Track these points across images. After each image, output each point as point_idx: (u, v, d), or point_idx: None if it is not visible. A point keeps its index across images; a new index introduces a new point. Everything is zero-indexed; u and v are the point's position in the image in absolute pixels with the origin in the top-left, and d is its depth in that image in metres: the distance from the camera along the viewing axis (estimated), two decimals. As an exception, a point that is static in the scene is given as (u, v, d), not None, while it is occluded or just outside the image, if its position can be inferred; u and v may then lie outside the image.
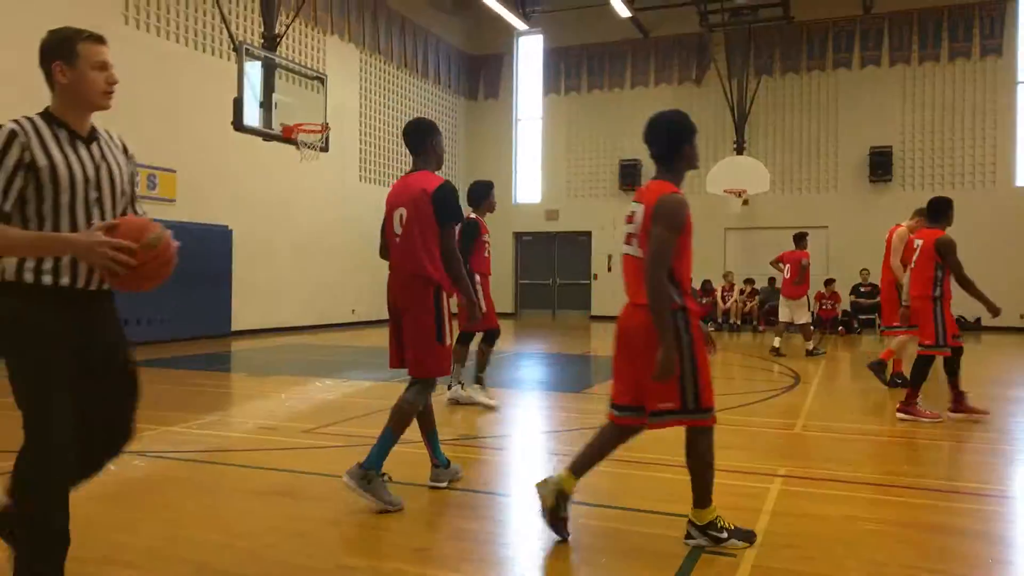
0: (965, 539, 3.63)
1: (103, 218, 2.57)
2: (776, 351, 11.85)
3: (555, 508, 3.45)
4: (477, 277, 6.76)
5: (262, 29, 12.06)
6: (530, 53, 22.53)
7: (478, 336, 7.23)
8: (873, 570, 3.21)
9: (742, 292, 18.74)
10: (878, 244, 18.60)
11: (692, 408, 3.34)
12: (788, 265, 12.08)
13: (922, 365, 6.48)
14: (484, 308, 6.09)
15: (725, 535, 3.42)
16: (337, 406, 7.25)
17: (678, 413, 3.34)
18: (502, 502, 4.40)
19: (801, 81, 19.82)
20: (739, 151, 18.88)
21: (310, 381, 8.84)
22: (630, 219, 3.50)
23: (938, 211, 6.71)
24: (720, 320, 18.47)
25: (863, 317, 17.26)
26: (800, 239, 12.24)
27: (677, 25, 19.99)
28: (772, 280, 18.67)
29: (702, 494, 3.45)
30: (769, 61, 19.88)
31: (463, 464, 4.76)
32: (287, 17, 12.96)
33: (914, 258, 6.83)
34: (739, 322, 18.37)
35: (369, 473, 3.86)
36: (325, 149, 12.29)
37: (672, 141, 3.52)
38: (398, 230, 4.13)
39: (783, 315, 12.32)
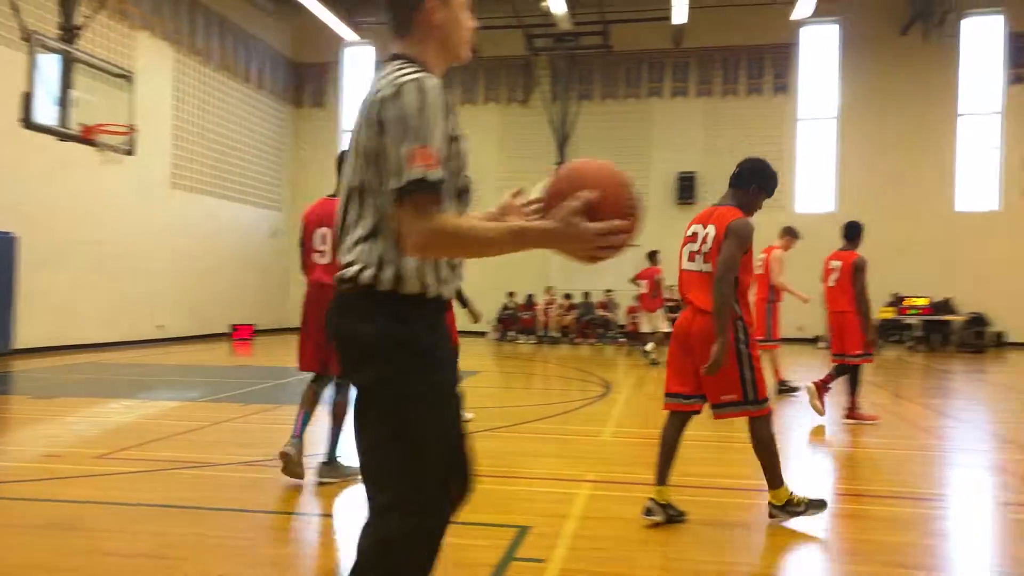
0: (750, 532, 3.94)
1: None
2: (651, 359, 12.81)
3: (670, 518, 3.96)
4: None
5: (60, 19, 11.12)
6: (359, 63, 22.26)
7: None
8: (665, 565, 3.41)
9: (560, 307, 19.43)
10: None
11: (752, 400, 3.93)
12: (645, 281, 13.05)
13: (855, 374, 7.31)
14: None
15: (802, 508, 3.94)
16: (135, 429, 6.74)
17: (741, 405, 3.94)
18: (312, 523, 4.27)
19: (618, 107, 20.93)
20: (560, 170, 19.60)
21: (105, 403, 8.15)
22: (693, 239, 4.17)
23: (855, 234, 7.59)
24: (541, 333, 19.03)
25: (669, 332, 18.38)
26: (653, 256, 13.17)
27: (505, 47, 20.52)
28: (587, 295, 19.50)
29: (773, 477, 3.95)
30: (590, 87, 20.86)
31: (269, 483, 4.57)
32: (89, 8, 12.01)
33: (834, 277, 7.57)
34: (557, 335, 19.02)
35: (335, 462, 4.85)
36: (130, 152, 11.50)
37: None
38: (320, 247, 4.90)
39: (644, 327, 13.47)
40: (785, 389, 9.15)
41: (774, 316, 8.99)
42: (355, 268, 1.88)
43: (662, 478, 4.05)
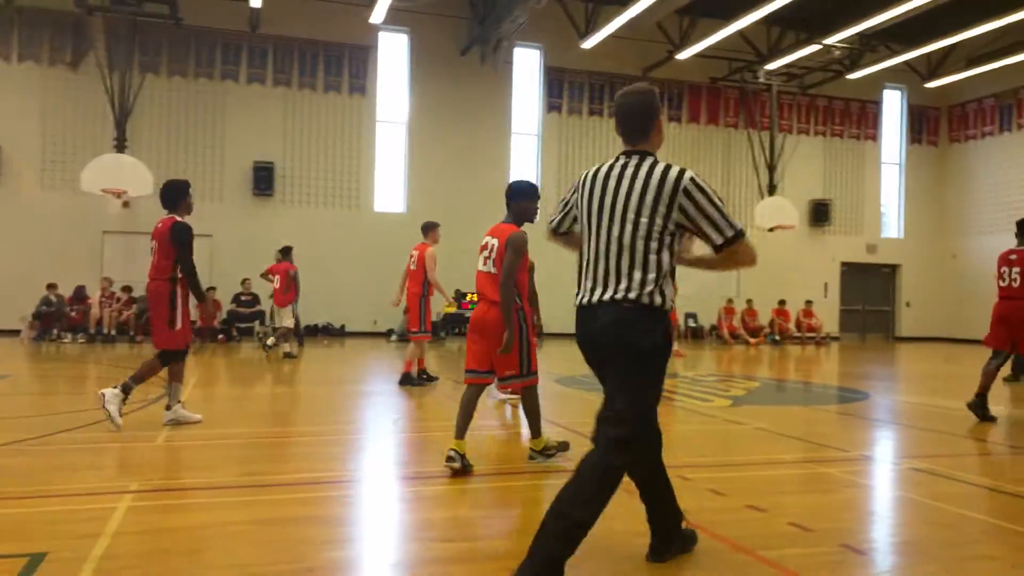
0: (309, 526, 3.76)
1: None
2: (288, 355, 13.03)
3: (467, 466, 4.91)
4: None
5: None
6: None
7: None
8: (212, 574, 3.06)
9: (118, 300, 17.37)
10: (261, 255, 19.21)
11: (526, 372, 5.19)
12: (278, 276, 13.22)
13: None
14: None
15: (553, 451, 5.35)
16: None
17: (518, 377, 5.19)
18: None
19: (189, 86, 19.39)
20: (120, 149, 17.50)
21: None
22: (485, 247, 5.24)
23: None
24: (93, 331, 16.78)
25: (241, 325, 17.62)
26: (287, 252, 13.47)
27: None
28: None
29: (536, 429, 5.35)
30: (156, 59, 18.97)
31: None
32: None
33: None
34: (114, 332, 16.95)
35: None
36: None
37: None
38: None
39: (277, 321, 13.57)
40: (426, 378, 9.77)
41: (427, 309, 9.50)
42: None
43: (460, 433, 5.02)
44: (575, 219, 3.37)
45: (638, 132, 3.22)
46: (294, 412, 7.89)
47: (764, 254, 10.89)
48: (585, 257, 3.22)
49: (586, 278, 3.18)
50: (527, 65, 22.25)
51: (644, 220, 3.02)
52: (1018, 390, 11.22)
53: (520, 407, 5.55)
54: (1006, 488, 4.82)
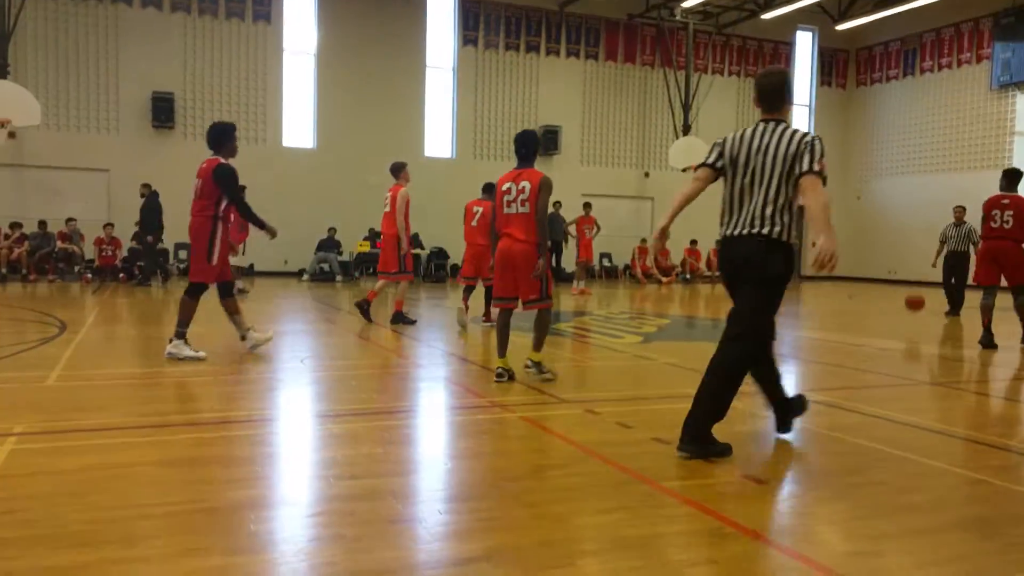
0: (211, 466, 3.62)
1: None
2: (241, 291, 12.57)
3: (510, 376, 5.89)
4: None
5: None
6: None
7: None
8: (101, 516, 2.90)
9: (7, 237, 16.31)
10: (163, 191, 18.33)
11: (545, 297, 5.92)
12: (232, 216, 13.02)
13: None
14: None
15: (546, 370, 6.00)
16: None
17: (539, 300, 5.90)
18: None
19: (78, 8, 18.03)
20: (1, 74, 16.23)
21: None
22: (508, 192, 5.88)
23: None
24: (-23, 270, 15.77)
25: (142, 263, 16.87)
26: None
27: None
28: (43, 223, 16.78)
29: (540, 344, 6.04)
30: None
31: None
32: None
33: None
34: (5, 271, 15.96)
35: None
36: None
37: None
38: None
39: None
40: (405, 321, 9.57)
41: (408, 252, 9.43)
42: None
43: (502, 352, 6.00)
44: (722, 166, 4.15)
45: (777, 104, 4.09)
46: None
47: (676, 194, 11.03)
48: (729, 200, 4.14)
49: (731, 216, 4.12)
50: (443, -3, 21.59)
51: (780, 172, 3.89)
52: (951, 327, 11.77)
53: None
54: (897, 418, 5.05)
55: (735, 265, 4.11)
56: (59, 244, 16.74)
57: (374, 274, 19.93)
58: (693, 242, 22.79)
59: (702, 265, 22.98)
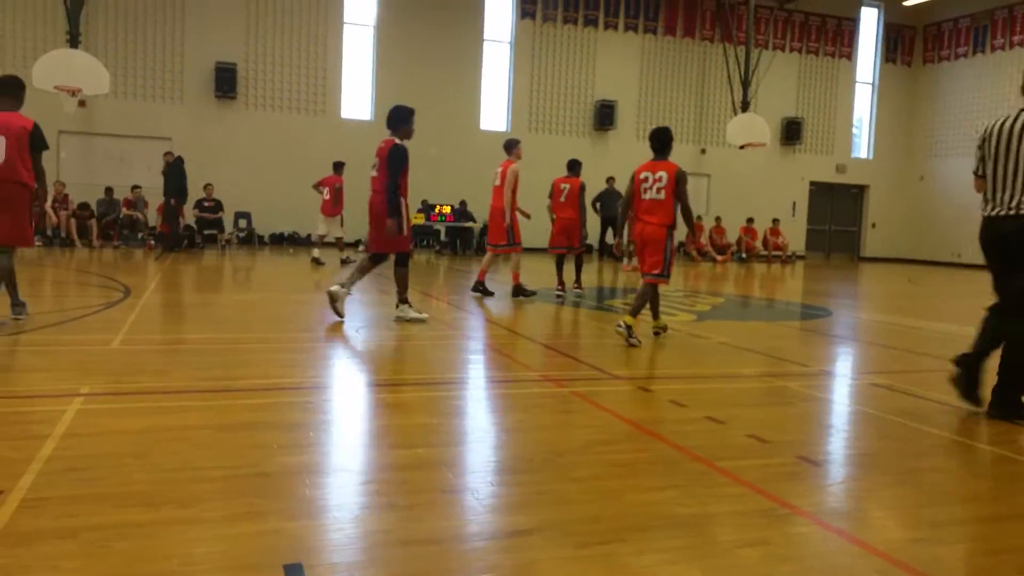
0: (265, 431, 3.71)
1: None
2: (316, 260, 13.90)
3: (633, 337, 6.54)
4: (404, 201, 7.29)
5: None
6: None
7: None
8: (161, 477, 3.00)
9: (69, 204, 16.86)
10: (224, 160, 18.69)
11: (666, 274, 6.77)
12: (327, 188, 14.15)
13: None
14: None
15: (635, 339, 6.56)
16: None
17: (660, 275, 6.75)
18: None
19: (143, -21, 18.39)
20: (74, 44, 16.65)
21: None
22: (646, 180, 6.75)
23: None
24: (51, 234, 16.34)
25: (207, 232, 17.27)
26: (338, 167, 14.34)
27: None
28: (110, 190, 17.29)
29: (637, 311, 6.71)
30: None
31: None
32: None
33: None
34: (75, 237, 16.52)
35: None
36: None
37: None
38: None
39: (321, 231, 14.43)
40: (483, 291, 9.86)
41: (514, 222, 9.71)
42: None
43: (655, 314, 7.23)
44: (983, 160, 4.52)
45: None
46: (257, 319, 7.77)
47: (735, 172, 10.71)
48: (993, 183, 4.43)
49: (994, 197, 4.42)
50: (501, -32, 21.40)
51: None
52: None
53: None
54: (957, 403, 4.90)
55: (1002, 243, 4.43)
56: (124, 211, 17.24)
57: (428, 247, 20.12)
58: (750, 220, 22.38)
59: (758, 244, 22.57)
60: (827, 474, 3.49)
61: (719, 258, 21.29)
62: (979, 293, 13.82)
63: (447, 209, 19.39)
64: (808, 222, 24.88)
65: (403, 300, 7.40)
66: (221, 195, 17.45)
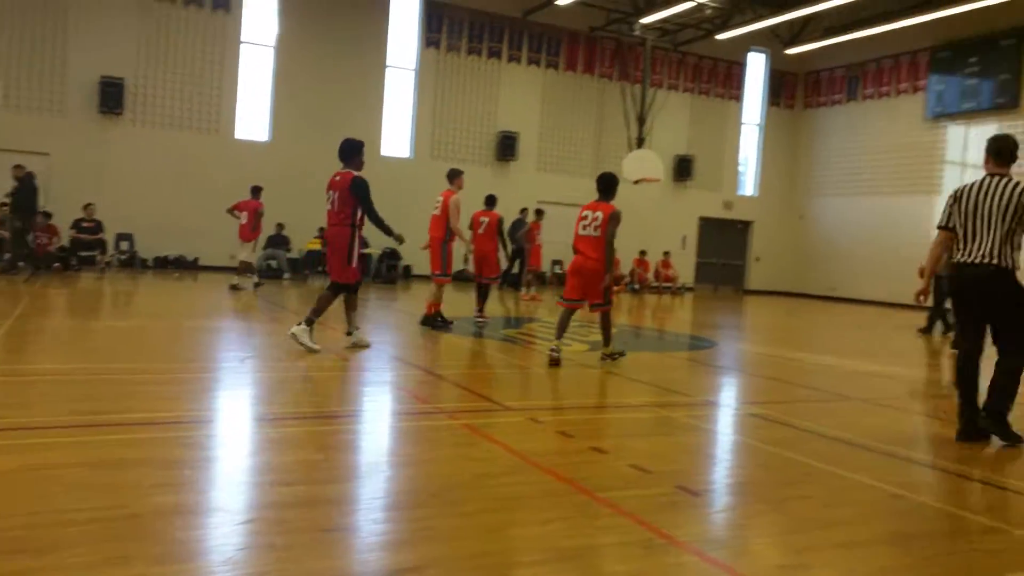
0: (139, 469, 3.54)
1: None
2: (235, 287, 13.80)
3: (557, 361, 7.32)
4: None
5: None
6: None
7: None
8: (20, 522, 2.81)
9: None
10: (107, 179, 17.82)
11: (608, 302, 7.50)
12: (245, 212, 13.95)
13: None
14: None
15: (617, 355, 7.65)
16: None
17: (603, 305, 7.48)
18: None
19: (22, -14, 17.47)
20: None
21: None
22: (585, 218, 7.51)
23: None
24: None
25: (83, 254, 16.38)
26: (256, 191, 14.18)
27: None
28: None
29: (608, 340, 7.70)
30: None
31: None
32: None
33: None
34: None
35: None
36: None
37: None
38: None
39: (242, 256, 14.35)
40: (441, 322, 9.81)
41: (448, 254, 9.88)
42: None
43: (560, 336, 7.58)
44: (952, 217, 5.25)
45: (1006, 162, 5.19)
46: (135, 348, 7.43)
47: (630, 205, 10.99)
48: (965, 236, 5.15)
49: (966, 247, 5.14)
50: (403, -3, 21.49)
51: (1009, 220, 5.00)
52: (886, 343, 12.09)
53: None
54: (827, 432, 5.19)
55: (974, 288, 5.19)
56: (-3, 232, 16.14)
57: (324, 273, 19.70)
58: (642, 252, 23.06)
59: (650, 275, 23.28)
60: (704, 503, 3.62)
61: (614, 288, 21.80)
62: (850, 325, 14.67)
63: (345, 235, 19.02)
64: (697, 255, 25.87)
65: (309, 322, 7.22)
66: (103, 215, 16.64)
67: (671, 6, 20.54)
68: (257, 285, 14.23)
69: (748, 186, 27.01)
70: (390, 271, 19.89)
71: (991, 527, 3.46)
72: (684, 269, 24.78)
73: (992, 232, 5.01)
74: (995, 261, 4.98)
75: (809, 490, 3.89)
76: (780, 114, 26.85)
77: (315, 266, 18.97)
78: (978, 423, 5.11)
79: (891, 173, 23.52)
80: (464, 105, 22.06)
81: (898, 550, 3.11)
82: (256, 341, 8.47)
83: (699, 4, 19.69)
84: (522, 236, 17.35)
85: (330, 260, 7.62)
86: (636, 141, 23.24)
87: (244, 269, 14.37)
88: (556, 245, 19.81)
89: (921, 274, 6.25)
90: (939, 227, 5.39)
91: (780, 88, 26.76)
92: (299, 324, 7.16)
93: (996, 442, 5.07)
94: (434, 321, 9.74)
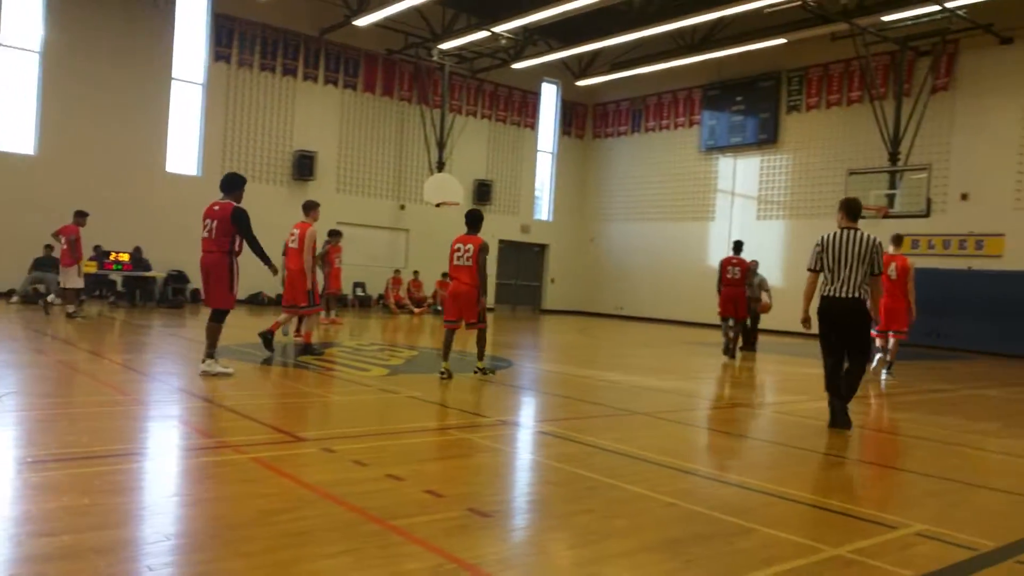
0: None
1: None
2: (47, 305, 14.04)
3: (450, 374, 8.56)
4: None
5: None
6: None
7: None
8: None
9: None
10: None
11: (482, 320, 8.69)
12: (65, 238, 13.61)
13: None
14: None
15: (490, 371, 8.95)
16: None
17: (477, 324, 8.67)
18: None
19: None
20: None
21: None
22: (458, 250, 8.62)
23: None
24: None
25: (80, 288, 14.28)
26: (81, 216, 13.83)
27: None
28: None
29: (482, 355, 8.86)
30: None
31: None
32: None
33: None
34: None
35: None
36: None
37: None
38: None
39: (62, 282, 13.87)
40: (314, 352, 10.19)
41: (314, 283, 10.03)
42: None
43: (445, 357, 8.63)
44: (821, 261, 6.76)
45: (854, 217, 6.80)
46: None
47: (432, 228, 11.20)
48: (831, 274, 6.66)
49: (832, 283, 6.64)
50: (194, 7, 20.43)
51: (866, 264, 6.58)
52: (673, 360, 12.92)
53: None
54: (610, 447, 5.54)
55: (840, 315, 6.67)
56: None
57: (100, 297, 18.13)
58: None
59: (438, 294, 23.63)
60: (494, 524, 3.74)
61: (416, 310, 21.89)
62: (636, 343, 15.68)
63: (125, 257, 17.68)
64: (497, 277, 26.61)
65: (210, 355, 7.58)
66: None
67: (467, 34, 21.14)
68: (72, 315, 13.46)
69: (544, 211, 28.21)
70: (176, 295, 18.69)
71: (746, 528, 3.86)
72: (484, 290, 25.38)
73: (852, 273, 6.49)
74: (856, 295, 6.48)
75: (592, 504, 4.13)
76: (571, 143, 28.35)
77: (92, 290, 17.41)
78: (845, 415, 6.63)
79: (671, 200, 25.58)
80: (258, 122, 21.32)
81: (667, 555, 3.38)
82: (16, 374, 7.64)
83: (494, 34, 20.38)
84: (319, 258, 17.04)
85: (211, 288, 7.76)
86: (436, 165, 23.57)
87: (72, 296, 13.82)
88: (354, 268, 19.61)
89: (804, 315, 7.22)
90: (809, 269, 6.84)
91: (571, 118, 28.27)
92: (203, 361, 7.56)
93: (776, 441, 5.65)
94: (311, 349, 10.14)
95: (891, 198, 18.06)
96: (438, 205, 22.06)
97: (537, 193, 27.92)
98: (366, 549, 3.20)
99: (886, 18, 17.58)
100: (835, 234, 6.67)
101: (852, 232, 6.61)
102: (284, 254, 10.55)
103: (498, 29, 20.24)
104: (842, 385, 6.66)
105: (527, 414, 7.38)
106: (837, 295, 6.56)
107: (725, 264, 13.24)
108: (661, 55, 22.36)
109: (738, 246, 13.57)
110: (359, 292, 22.69)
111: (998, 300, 17.44)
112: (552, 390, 8.92)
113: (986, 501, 4.80)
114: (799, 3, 16.95)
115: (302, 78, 22.00)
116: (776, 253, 22.26)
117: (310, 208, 10.29)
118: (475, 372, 8.83)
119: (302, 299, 9.98)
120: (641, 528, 3.75)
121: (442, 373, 8.48)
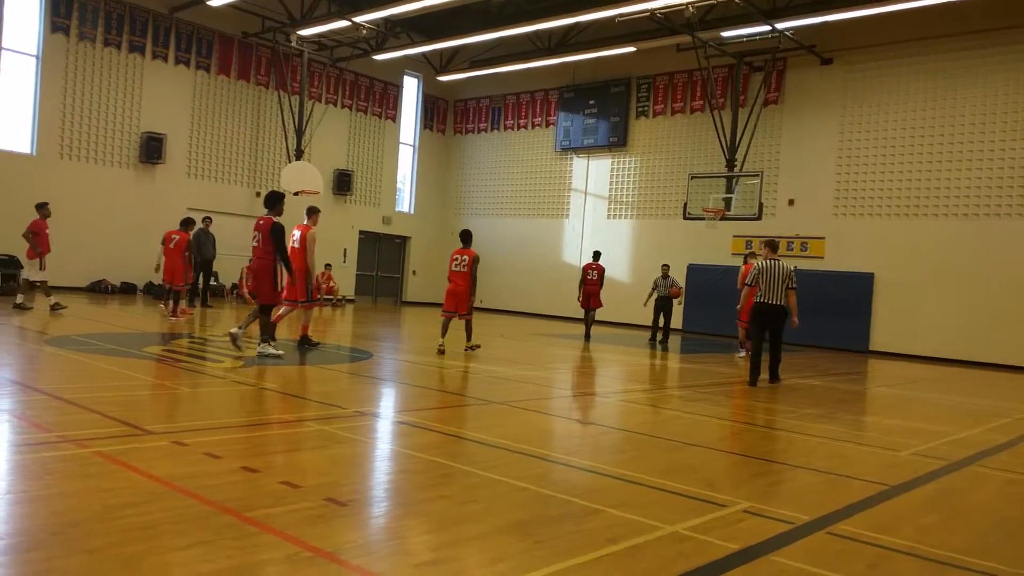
0: None
1: None
2: (20, 306, 13.66)
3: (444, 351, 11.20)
4: None
5: None
6: None
7: None
8: None
9: None
10: None
11: (469, 312, 11.68)
12: (35, 234, 13.60)
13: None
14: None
15: (475, 347, 11.88)
16: None
17: (467, 314, 11.60)
18: None
19: None
20: None
21: None
22: (455, 260, 11.75)
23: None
24: None
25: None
26: (43, 206, 13.89)
27: None
28: None
29: (470, 336, 11.85)
30: None
31: None
32: None
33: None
34: None
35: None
36: None
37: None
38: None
39: (34, 276, 13.97)
40: (309, 345, 10.87)
41: (312, 282, 10.92)
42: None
43: (443, 334, 11.50)
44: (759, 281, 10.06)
45: (774, 251, 10.29)
46: None
47: (288, 217, 11.03)
48: (764, 289, 9.94)
49: (766, 295, 9.93)
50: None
51: (787, 282, 9.98)
52: (533, 352, 13.16)
53: None
54: (467, 435, 5.70)
55: (771, 316, 10.05)
56: None
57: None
58: (328, 266, 22.88)
59: (333, 285, 23.23)
60: (351, 513, 3.79)
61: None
62: (495, 334, 15.92)
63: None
64: (358, 268, 26.25)
65: (264, 340, 9.35)
66: None
67: (327, 22, 20.70)
68: (19, 306, 13.66)
69: (405, 203, 28.07)
70: (7, 281, 17.26)
71: (594, 509, 4.11)
72: (345, 282, 24.99)
73: (777, 288, 9.83)
74: (780, 303, 9.84)
75: (447, 490, 4.26)
76: (433, 137, 28.36)
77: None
78: (757, 380, 10.03)
79: (529, 198, 26.15)
80: (101, 101, 19.98)
81: (518, 537, 3.56)
82: None
83: (355, 23, 20.08)
84: (210, 248, 18.28)
85: (259, 287, 9.51)
86: (295, 152, 22.96)
87: (43, 290, 14.08)
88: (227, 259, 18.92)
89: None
90: (747, 284, 10.48)
91: (433, 113, 28.26)
92: (259, 344, 9.33)
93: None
94: (309, 342, 10.86)
95: (728, 201, 19.31)
96: (296, 194, 21.48)
97: (400, 185, 27.75)
98: (219, 541, 3.18)
99: (725, 33, 18.80)
100: (766, 263, 10.00)
101: (775, 262, 9.97)
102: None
103: (360, 19, 19.95)
104: (770, 360, 10.24)
105: (386, 405, 7.42)
106: (769, 302, 9.92)
107: (587, 268, 17.14)
108: (519, 55, 22.80)
109: (596, 255, 17.55)
110: (212, 282, 21.74)
111: (820, 298, 19.03)
112: (411, 381, 8.99)
113: (805, 480, 5.32)
114: (648, 14, 17.76)
115: (151, 56, 20.79)
116: (624, 250, 23.28)
117: (311, 213, 11.22)
118: (465, 350, 11.40)
119: (302, 295, 10.62)
120: (494, 512, 3.92)
121: (440, 347, 11.19)
